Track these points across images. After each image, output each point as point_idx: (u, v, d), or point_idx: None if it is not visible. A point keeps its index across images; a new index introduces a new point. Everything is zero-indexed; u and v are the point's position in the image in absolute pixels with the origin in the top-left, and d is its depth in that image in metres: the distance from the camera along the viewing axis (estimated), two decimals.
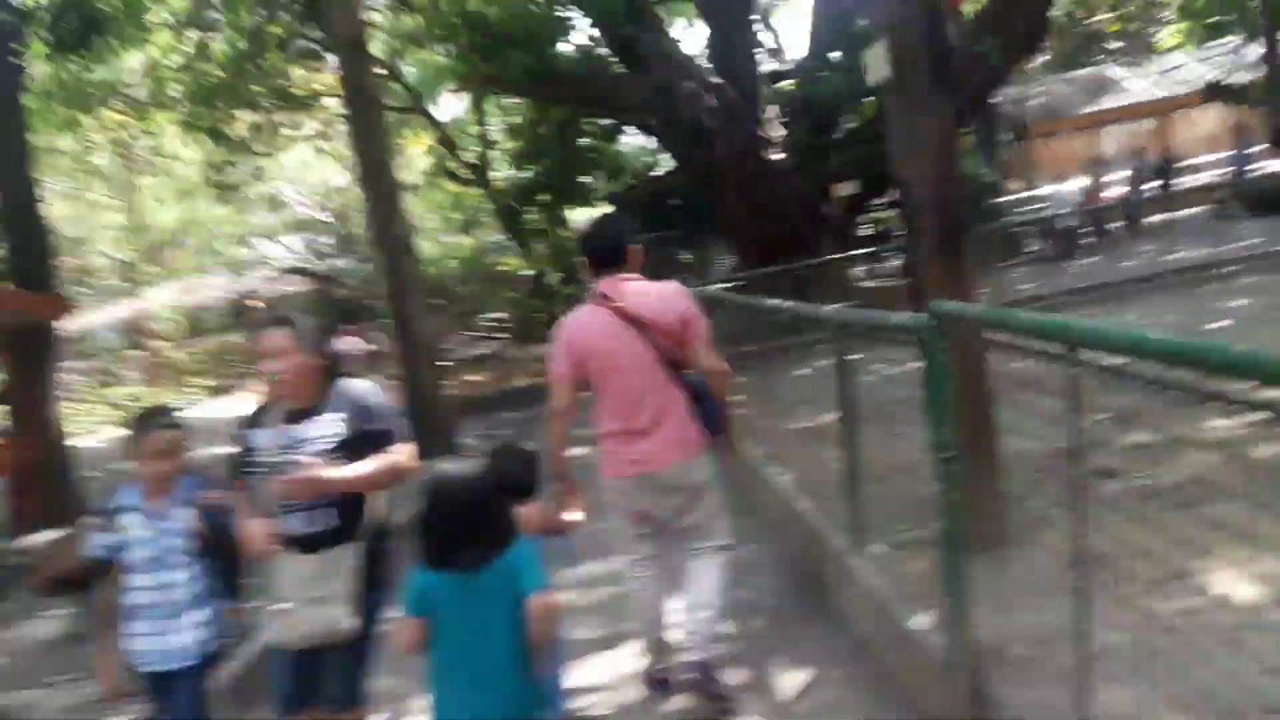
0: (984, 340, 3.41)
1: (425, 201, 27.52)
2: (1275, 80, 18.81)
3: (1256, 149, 17.93)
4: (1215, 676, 2.06)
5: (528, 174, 17.82)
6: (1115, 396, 2.12)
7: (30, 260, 8.79)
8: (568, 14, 14.36)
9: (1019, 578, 2.94)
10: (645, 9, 13.92)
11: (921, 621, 3.13)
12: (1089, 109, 29.36)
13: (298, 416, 2.90)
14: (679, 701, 3.53)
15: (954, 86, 4.22)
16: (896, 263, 15.15)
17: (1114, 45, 33.02)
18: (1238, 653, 1.81)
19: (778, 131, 13.70)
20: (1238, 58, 25.15)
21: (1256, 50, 22.85)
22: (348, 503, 2.85)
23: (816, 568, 4.38)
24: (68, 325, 11.56)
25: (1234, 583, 1.86)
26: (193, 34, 14.78)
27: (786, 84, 15.11)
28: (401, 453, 2.90)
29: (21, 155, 8.82)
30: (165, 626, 3.03)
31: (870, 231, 18.59)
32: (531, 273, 20.97)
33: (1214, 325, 7.70)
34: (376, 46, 18.24)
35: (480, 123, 21.63)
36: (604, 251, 3.60)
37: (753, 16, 16.65)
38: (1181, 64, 28.67)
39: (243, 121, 16.80)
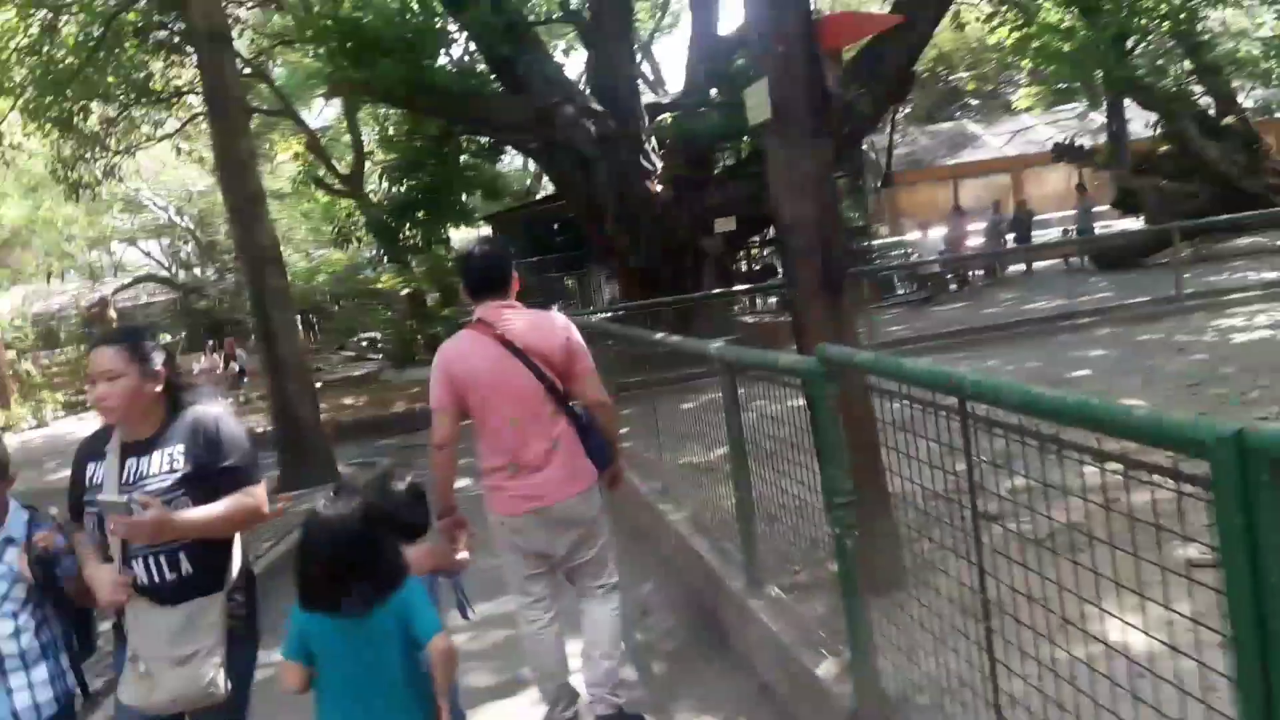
0: (870, 387, 3.41)
1: (294, 211, 26.42)
2: (1117, 145, 20.41)
3: (1100, 208, 19.32)
4: None
5: (403, 188, 17.31)
6: (993, 439, 2.12)
7: None
8: (447, 26, 14.08)
9: (919, 621, 2.92)
10: (525, 30, 13.78)
11: (828, 669, 3.06)
12: (949, 160, 31.15)
13: (137, 448, 2.54)
14: None
15: (833, 130, 4.25)
16: (773, 300, 15.51)
17: (973, 102, 35.17)
18: (1137, 704, 1.82)
19: (658, 163, 13.77)
20: (1083, 123, 27.25)
21: (1099, 118, 24.85)
22: (203, 548, 2.51)
23: (714, 607, 4.28)
24: None
25: (1125, 631, 1.88)
26: (40, 14, 13.67)
27: (665, 117, 15.23)
28: (253, 494, 2.58)
29: None
30: None
31: (749, 268, 18.97)
32: (408, 291, 20.39)
33: (1075, 374, 8.08)
34: (243, 44, 17.41)
35: (353, 131, 20.96)
36: (485, 277, 3.41)
37: (635, 47, 16.73)
38: (1033, 125, 30.81)
39: (96, 114, 15.67)
